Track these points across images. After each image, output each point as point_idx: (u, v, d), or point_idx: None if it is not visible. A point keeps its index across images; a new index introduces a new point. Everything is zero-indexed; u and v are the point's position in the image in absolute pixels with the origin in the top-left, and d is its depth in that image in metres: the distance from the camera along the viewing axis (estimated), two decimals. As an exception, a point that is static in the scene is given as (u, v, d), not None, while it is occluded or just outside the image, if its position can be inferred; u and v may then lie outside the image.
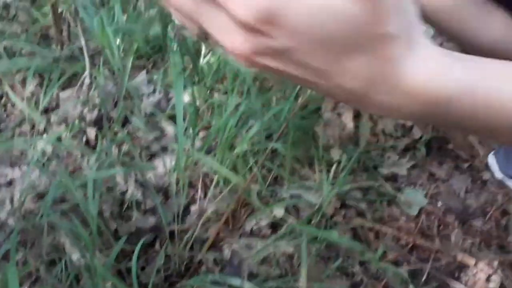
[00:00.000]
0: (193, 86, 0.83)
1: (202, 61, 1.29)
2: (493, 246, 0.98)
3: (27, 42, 1.23)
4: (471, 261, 0.94)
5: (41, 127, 1.07)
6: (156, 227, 0.89)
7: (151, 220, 0.88)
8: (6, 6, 1.37)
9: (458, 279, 0.92)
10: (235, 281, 0.80)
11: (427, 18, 0.93)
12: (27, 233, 0.86)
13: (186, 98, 1.09)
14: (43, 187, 0.95)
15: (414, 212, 1.02)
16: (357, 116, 1.20)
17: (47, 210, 0.80)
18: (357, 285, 0.89)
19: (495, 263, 0.95)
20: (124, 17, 1.14)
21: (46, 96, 1.11)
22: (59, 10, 1.19)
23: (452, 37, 1.00)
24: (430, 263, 0.93)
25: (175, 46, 0.73)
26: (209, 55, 1.27)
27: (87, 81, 1.01)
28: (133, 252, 0.79)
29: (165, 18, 0.78)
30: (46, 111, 1.14)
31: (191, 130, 1.02)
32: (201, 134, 1.14)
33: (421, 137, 1.21)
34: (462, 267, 0.93)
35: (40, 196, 0.93)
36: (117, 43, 1.12)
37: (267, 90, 1.16)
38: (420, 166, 1.14)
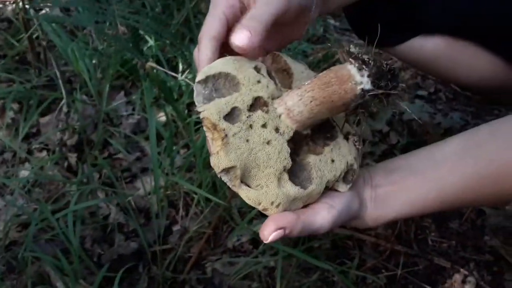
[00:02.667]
0: (168, 107, 0.85)
1: (180, 77, 1.31)
2: (469, 247, 1.01)
3: (3, 68, 1.24)
4: (447, 264, 0.96)
5: (23, 154, 1.09)
6: (138, 250, 0.91)
7: (133, 245, 0.90)
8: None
9: (435, 282, 0.94)
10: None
11: (422, 67, 0.97)
12: (12, 263, 0.88)
13: (163, 118, 1.11)
14: (27, 216, 0.97)
15: (391, 218, 1.05)
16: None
17: (29, 241, 0.82)
18: (337, 294, 0.92)
19: (471, 264, 0.98)
20: (100, 41, 1.16)
21: (27, 123, 1.12)
22: (35, 35, 1.21)
23: (445, 78, 1.04)
24: (407, 268, 0.95)
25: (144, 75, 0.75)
26: (187, 72, 1.29)
27: (65, 107, 1.02)
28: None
29: (137, 43, 0.80)
30: (27, 137, 1.16)
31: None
32: (182, 152, 1.17)
33: (397, 142, 1.24)
34: (439, 270, 0.96)
35: (24, 226, 0.94)
36: (93, 67, 1.13)
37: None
38: (397, 171, 1.16)
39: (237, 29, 0.49)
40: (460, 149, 0.57)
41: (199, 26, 0.54)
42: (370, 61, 0.47)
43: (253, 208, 0.52)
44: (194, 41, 1.45)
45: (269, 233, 0.50)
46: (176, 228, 0.98)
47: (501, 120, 0.59)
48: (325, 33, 1.56)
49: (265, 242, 0.51)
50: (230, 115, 0.51)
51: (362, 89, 0.47)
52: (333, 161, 0.55)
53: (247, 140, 0.50)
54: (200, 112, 0.50)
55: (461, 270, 0.95)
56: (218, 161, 0.49)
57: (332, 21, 1.67)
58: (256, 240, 0.95)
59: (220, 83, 0.52)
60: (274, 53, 0.59)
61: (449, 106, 1.44)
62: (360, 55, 0.48)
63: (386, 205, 0.59)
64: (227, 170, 0.50)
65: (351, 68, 0.48)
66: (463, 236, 1.03)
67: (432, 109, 1.41)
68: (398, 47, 0.91)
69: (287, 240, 0.93)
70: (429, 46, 0.89)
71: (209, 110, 0.50)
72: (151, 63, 0.57)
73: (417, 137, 1.27)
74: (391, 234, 1.01)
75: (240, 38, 0.49)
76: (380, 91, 0.47)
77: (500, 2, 0.80)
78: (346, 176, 0.57)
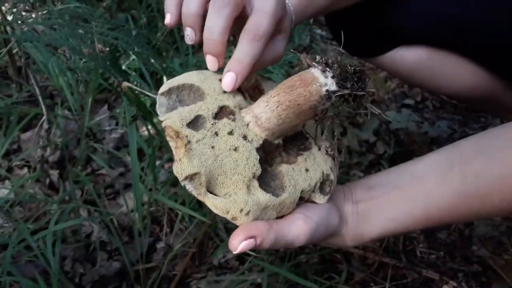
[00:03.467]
0: (149, 122, 0.83)
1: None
2: (458, 258, 1.01)
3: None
4: (436, 276, 0.96)
5: (3, 172, 1.06)
6: (121, 270, 0.89)
7: (115, 265, 0.88)
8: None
9: (423, 295, 0.94)
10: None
11: (404, 78, 0.97)
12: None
13: (146, 132, 1.09)
14: (7, 236, 0.94)
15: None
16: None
17: (7, 263, 0.79)
18: (325, 310, 0.90)
19: (460, 275, 0.97)
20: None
21: (7, 140, 1.10)
22: (15, 50, 1.18)
23: (427, 89, 1.04)
24: (396, 281, 0.94)
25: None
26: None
27: (46, 123, 1.00)
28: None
29: (115, 61, 0.79)
30: (7, 154, 1.13)
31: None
32: (167, 166, 1.15)
33: (385, 152, 1.24)
34: (428, 282, 0.95)
35: (4, 246, 0.92)
36: (75, 81, 1.12)
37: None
38: (384, 182, 1.16)
39: (225, 72, 0.51)
40: (445, 165, 0.56)
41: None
42: (334, 64, 0.47)
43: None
44: (179, 51, 1.43)
45: (238, 242, 0.47)
46: (160, 245, 0.96)
47: (486, 134, 0.58)
48: (311, 43, 1.55)
49: (234, 252, 0.48)
50: (194, 123, 0.49)
51: (327, 90, 0.47)
52: (307, 170, 0.53)
53: (212, 147, 0.48)
54: (163, 124, 0.49)
55: (450, 281, 0.95)
56: (181, 168, 0.47)
57: (318, 31, 1.67)
58: (242, 257, 0.94)
59: (184, 94, 0.51)
60: None
61: (436, 114, 1.44)
62: (323, 60, 0.48)
63: (369, 221, 0.57)
64: (190, 178, 0.47)
65: (315, 71, 0.48)
66: (452, 247, 1.03)
67: (419, 118, 1.41)
68: (380, 58, 0.91)
69: (273, 256, 0.92)
70: (410, 57, 0.89)
71: (171, 119, 0.48)
72: (127, 83, 0.55)
73: (404, 147, 1.26)
74: (379, 246, 1.00)
75: (227, 82, 0.50)
76: (347, 91, 0.46)
77: (482, 12, 0.79)
78: (323, 187, 0.55)
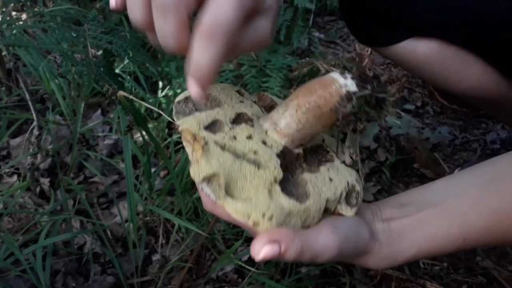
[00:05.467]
0: (143, 129, 0.80)
1: (160, 94, 1.26)
2: (461, 269, 0.98)
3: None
4: (439, 287, 0.93)
5: (-9, 180, 1.02)
6: (115, 283, 0.85)
7: (109, 279, 0.84)
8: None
9: (428, 309, 0.91)
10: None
11: (413, 70, 0.94)
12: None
13: (140, 138, 1.05)
14: (-5, 248, 0.90)
15: (381, 240, 1.01)
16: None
17: (-5, 279, 0.75)
18: (327, 324, 0.88)
19: (464, 287, 0.95)
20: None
21: (-4, 146, 1.05)
22: (4, 52, 1.14)
23: (436, 83, 1.02)
24: (399, 294, 0.92)
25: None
26: (167, 88, 1.24)
27: (36, 129, 0.96)
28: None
29: (109, 66, 0.75)
30: (-3, 161, 1.09)
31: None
32: (163, 174, 1.11)
33: (386, 160, 1.21)
34: (432, 295, 0.93)
35: (-9, 259, 0.88)
36: (67, 85, 1.07)
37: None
38: (386, 190, 1.13)
39: (187, 81, 0.44)
40: (481, 183, 0.52)
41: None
42: (352, 68, 0.46)
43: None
44: (175, 55, 1.40)
45: (260, 246, 0.41)
46: (155, 257, 0.92)
47: None
48: (310, 46, 1.52)
49: (256, 259, 0.42)
50: (211, 127, 0.47)
51: (348, 91, 0.45)
52: (331, 180, 0.49)
53: (231, 149, 0.45)
54: (179, 128, 0.46)
55: (454, 294, 0.92)
56: (198, 169, 0.43)
57: (317, 34, 1.64)
58: (241, 270, 0.90)
59: (201, 103, 0.50)
60: (259, 92, 0.57)
61: (436, 120, 1.42)
62: (340, 65, 0.47)
63: (404, 239, 0.52)
64: (208, 179, 0.43)
65: (334, 74, 0.46)
66: (455, 258, 1.00)
67: (420, 123, 1.39)
68: (391, 48, 0.88)
69: (274, 269, 0.89)
70: (422, 49, 0.86)
71: (188, 122, 0.46)
72: (122, 93, 0.52)
73: (405, 154, 1.24)
74: (382, 258, 0.97)
75: (191, 90, 0.44)
76: (368, 92, 0.44)
77: (498, 7, 0.76)
78: (349, 198, 0.51)
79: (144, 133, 0.89)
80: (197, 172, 0.43)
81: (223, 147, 0.45)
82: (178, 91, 1.20)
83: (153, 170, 1.02)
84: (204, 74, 0.42)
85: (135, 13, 0.43)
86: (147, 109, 1.16)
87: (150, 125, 1.12)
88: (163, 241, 0.95)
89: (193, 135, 0.45)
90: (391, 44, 0.87)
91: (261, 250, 0.41)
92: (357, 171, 0.53)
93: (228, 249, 0.91)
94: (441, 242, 0.51)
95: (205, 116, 0.47)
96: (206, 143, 0.44)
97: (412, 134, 1.32)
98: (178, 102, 0.50)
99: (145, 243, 0.93)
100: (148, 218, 0.97)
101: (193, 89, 0.43)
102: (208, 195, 0.43)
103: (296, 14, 1.48)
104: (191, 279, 0.90)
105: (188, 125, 0.46)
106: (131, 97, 0.55)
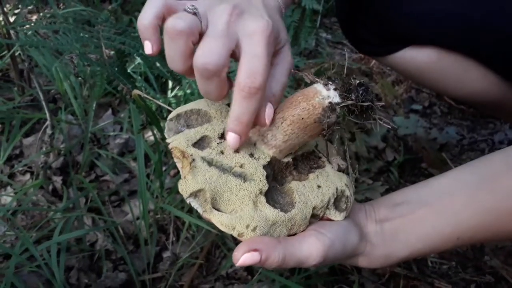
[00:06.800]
0: (156, 127, 0.81)
1: (170, 94, 1.27)
2: (470, 268, 0.99)
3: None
4: (448, 286, 0.93)
5: (5, 178, 1.04)
6: (127, 280, 0.87)
7: (121, 276, 0.85)
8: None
9: (436, 307, 0.91)
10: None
11: (413, 78, 0.95)
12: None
13: (153, 137, 1.07)
14: (10, 245, 0.92)
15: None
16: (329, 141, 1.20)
17: (10, 274, 0.77)
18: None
19: (472, 286, 0.95)
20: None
21: (9, 145, 1.07)
22: (17, 52, 1.16)
23: (436, 91, 1.02)
24: (407, 292, 0.92)
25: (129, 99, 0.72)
26: (176, 89, 1.25)
27: (49, 128, 0.98)
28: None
29: (123, 67, 0.77)
30: (9, 159, 1.11)
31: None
32: (173, 172, 1.13)
33: (394, 159, 1.22)
34: (440, 293, 0.93)
35: (6, 256, 0.89)
36: (79, 85, 1.09)
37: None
38: (394, 190, 1.14)
39: (227, 132, 0.48)
40: (475, 181, 0.53)
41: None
42: (336, 78, 0.47)
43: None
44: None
45: (240, 254, 0.44)
46: (166, 254, 0.94)
47: None
48: (317, 46, 1.53)
49: (236, 264, 0.45)
50: (200, 143, 0.50)
51: (330, 102, 0.46)
52: (319, 186, 0.52)
53: (218, 164, 0.49)
54: (169, 146, 0.49)
55: (463, 292, 0.93)
56: (186, 185, 0.47)
57: (324, 34, 1.65)
58: (251, 268, 0.91)
59: (192, 119, 0.53)
60: None
61: (444, 120, 1.42)
62: (325, 75, 0.48)
63: (397, 241, 0.54)
64: (195, 195, 0.47)
65: (317, 85, 0.48)
66: (463, 257, 1.01)
67: (427, 123, 1.39)
68: (391, 57, 0.89)
69: (282, 270, 0.90)
70: (421, 58, 0.87)
71: (177, 140, 0.49)
72: (137, 91, 0.53)
73: (413, 153, 1.24)
74: (390, 256, 0.98)
75: (232, 141, 0.48)
76: (350, 102, 0.45)
77: (490, 14, 0.77)
78: (338, 203, 0.53)
79: (156, 131, 0.91)
80: (184, 188, 0.47)
81: (210, 163, 0.48)
82: (188, 91, 1.21)
83: (163, 168, 1.04)
84: (244, 127, 0.47)
85: (176, 64, 0.47)
86: (157, 108, 1.18)
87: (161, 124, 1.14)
88: (174, 239, 0.97)
89: (181, 152, 0.48)
90: (390, 54, 0.88)
91: (240, 257, 0.45)
92: (348, 175, 0.54)
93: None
94: (435, 242, 0.53)
95: (194, 133, 0.50)
96: (193, 160, 0.47)
97: (419, 134, 1.32)
98: (170, 119, 0.52)
99: (156, 241, 0.95)
100: (158, 216, 0.99)
101: (233, 142, 0.48)
102: (195, 208, 0.47)
103: (303, 15, 1.50)
104: (201, 276, 0.91)
105: (176, 143, 0.49)
106: (145, 95, 0.57)
